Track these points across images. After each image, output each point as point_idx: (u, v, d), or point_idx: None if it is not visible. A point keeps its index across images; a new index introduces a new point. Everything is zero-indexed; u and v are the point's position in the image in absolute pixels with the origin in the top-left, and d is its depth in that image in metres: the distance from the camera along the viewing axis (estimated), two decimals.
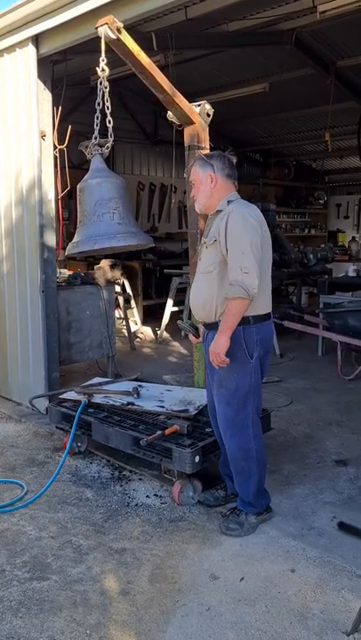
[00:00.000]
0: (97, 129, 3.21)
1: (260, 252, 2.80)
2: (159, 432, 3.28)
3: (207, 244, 2.91)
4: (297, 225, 12.67)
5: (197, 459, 3.16)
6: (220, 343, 2.77)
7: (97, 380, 4.51)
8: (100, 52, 3.18)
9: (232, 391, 2.91)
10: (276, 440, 4.21)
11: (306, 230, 12.78)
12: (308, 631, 2.30)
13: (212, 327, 2.94)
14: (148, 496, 3.40)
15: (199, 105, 3.86)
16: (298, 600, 2.49)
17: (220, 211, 2.90)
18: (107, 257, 6.21)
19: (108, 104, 3.19)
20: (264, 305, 2.92)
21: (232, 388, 2.90)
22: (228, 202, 2.90)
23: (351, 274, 7.07)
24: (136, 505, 3.31)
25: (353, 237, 11.93)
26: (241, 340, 2.85)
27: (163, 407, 3.73)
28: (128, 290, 7.73)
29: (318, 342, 6.77)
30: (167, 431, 3.30)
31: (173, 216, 11.11)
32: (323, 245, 9.36)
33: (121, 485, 3.55)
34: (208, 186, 2.95)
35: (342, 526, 3.04)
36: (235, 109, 9.19)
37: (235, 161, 3.04)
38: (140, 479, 3.61)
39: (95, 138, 3.22)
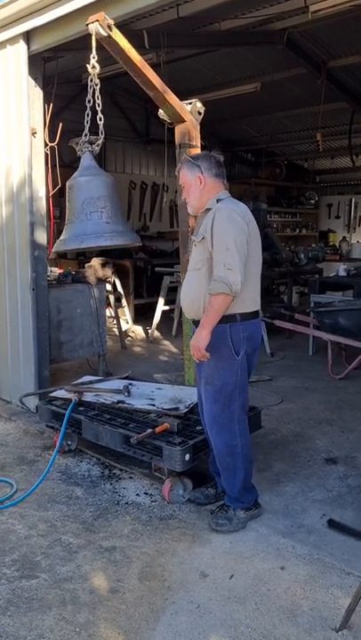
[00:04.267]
0: (87, 126, 3.21)
1: (247, 250, 2.81)
2: (150, 430, 3.28)
3: (196, 241, 2.93)
4: (288, 225, 12.69)
5: (187, 457, 3.16)
6: (201, 337, 2.78)
7: (87, 378, 4.50)
8: (91, 49, 3.17)
9: (218, 388, 2.92)
10: (267, 438, 4.22)
11: (297, 230, 12.80)
12: (297, 628, 2.31)
13: None
14: (138, 494, 3.40)
15: (190, 103, 3.86)
16: (287, 597, 2.50)
17: (210, 209, 2.91)
18: (98, 255, 6.20)
19: (98, 101, 3.18)
20: (252, 303, 2.93)
21: (218, 384, 2.91)
22: (218, 200, 2.91)
23: (342, 273, 7.09)
24: (126, 503, 3.31)
25: (344, 237, 11.96)
26: (227, 337, 2.85)
27: (153, 405, 3.73)
28: (119, 288, 7.71)
29: (309, 341, 6.78)
30: (158, 429, 3.30)
31: (165, 215, 11.09)
32: (314, 245, 9.38)
33: (111, 484, 3.54)
34: (197, 187, 2.97)
35: (332, 524, 3.05)
36: (226, 109, 9.20)
37: (222, 159, 3.04)
38: (131, 477, 3.60)
39: (85, 135, 3.22)
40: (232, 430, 2.98)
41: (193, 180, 2.97)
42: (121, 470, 3.70)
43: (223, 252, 2.74)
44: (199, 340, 2.78)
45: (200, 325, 2.81)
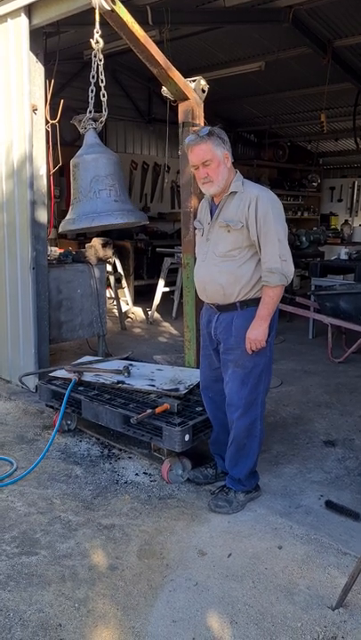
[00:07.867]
0: (91, 102, 3.15)
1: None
2: (149, 410, 3.28)
3: (231, 228, 2.81)
4: (290, 207, 12.60)
5: (187, 437, 3.16)
6: (262, 330, 2.81)
7: (87, 358, 4.49)
8: (94, 24, 3.11)
9: (249, 370, 2.91)
10: (266, 420, 4.19)
11: (299, 213, 12.73)
12: (294, 606, 2.34)
13: (228, 309, 2.93)
14: (137, 474, 3.42)
15: (194, 80, 3.81)
16: (285, 576, 2.52)
17: (235, 192, 2.83)
18: (98, 235, 6.16)
19: (102, 77, 3.13)
20: None
21: (249, 366, 2.91)
22: (242, 183, 2.86)
23: (343, 257, 7.06)
24: (125, 482, 3.32)
25: (346, 221, 11.90)
26: None
27: (153, 386, 3.72)
28: (119, 269, 7.68)
29: (309, 325, 6.78)
30: (157, 409, 3.30)
31: (166, 196, 11.01)
32: (315, 228, 9.33)
33: (110, 463, 3.56)
34: (225, 166, 2.84)
35: (329, 505, 3.07)
36: (230, 88, 9.09)
37: None
38: (130, 457, 3.62)
39: (90, 112, 3.16)
40: (255, 413, 2.98)
41: (222, 157, 2.80)
42: (120, 450, 3.71)
43: (276, 244, 2.74)
44: (260, 333, 2.80)
45: (260, 318, 2.81)
